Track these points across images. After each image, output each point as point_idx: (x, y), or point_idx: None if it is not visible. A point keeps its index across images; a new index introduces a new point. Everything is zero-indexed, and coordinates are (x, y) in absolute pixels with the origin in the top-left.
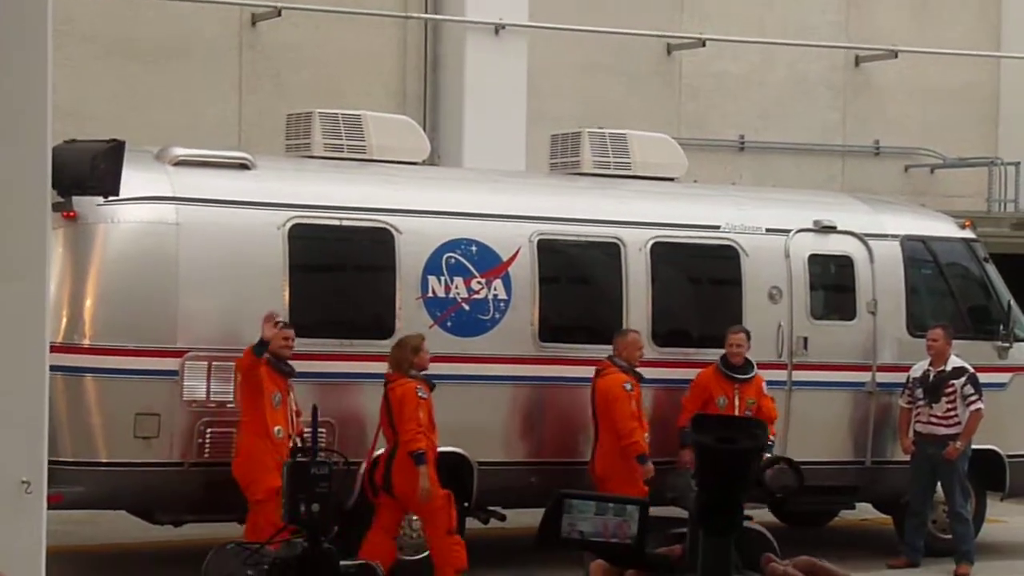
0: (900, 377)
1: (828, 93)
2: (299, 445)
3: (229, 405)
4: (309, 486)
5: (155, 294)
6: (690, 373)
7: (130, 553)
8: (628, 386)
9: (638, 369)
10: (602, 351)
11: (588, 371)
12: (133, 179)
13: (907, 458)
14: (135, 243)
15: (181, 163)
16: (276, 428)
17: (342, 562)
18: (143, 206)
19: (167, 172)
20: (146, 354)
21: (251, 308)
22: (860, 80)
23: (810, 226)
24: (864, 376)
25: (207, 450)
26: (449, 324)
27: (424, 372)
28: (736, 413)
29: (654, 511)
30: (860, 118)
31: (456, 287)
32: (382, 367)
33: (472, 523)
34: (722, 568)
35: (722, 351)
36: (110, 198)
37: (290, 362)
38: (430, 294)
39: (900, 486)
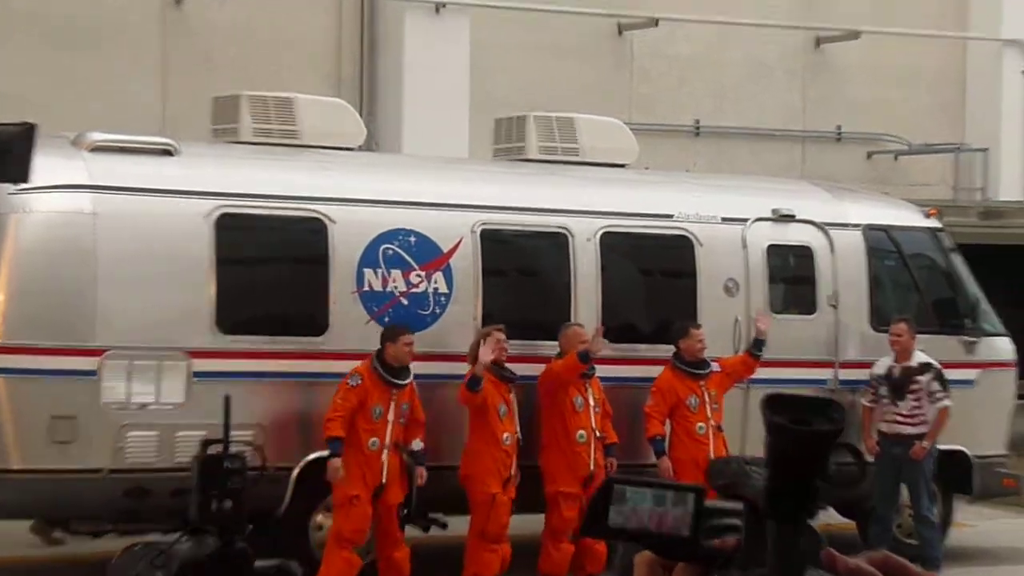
0: (863, 374)
1: (787, 76)
2: (404, 449)
3: (152, 407)
4: (221, 482)
5: (71, 289)
6: (643, 371)
7: (18, 569)
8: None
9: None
10: (550, 347)
11: (536, 368)
12: (47, 166)
13: (870, 459)
14: (49, 234)
15: (99, 149)
16: (371, 440)
17: (257, 562)
18: (58, 195)
19: (84, 158)
20: (62, 353)
21: (175, 303)
22: (820, 62)
23: (768, 215)
24: (826, 373)
25: (128, 456)
26: (386, 320)
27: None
28: (709, 412)
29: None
30: (821, 102)
31: (394, 280)
32: (315, 365)
33: (412, 530)
34: (794, 557)
35: (672, 348)
36: (21, 186)
37: (404, 370)
38: (366, 288)
39: (864, 489)
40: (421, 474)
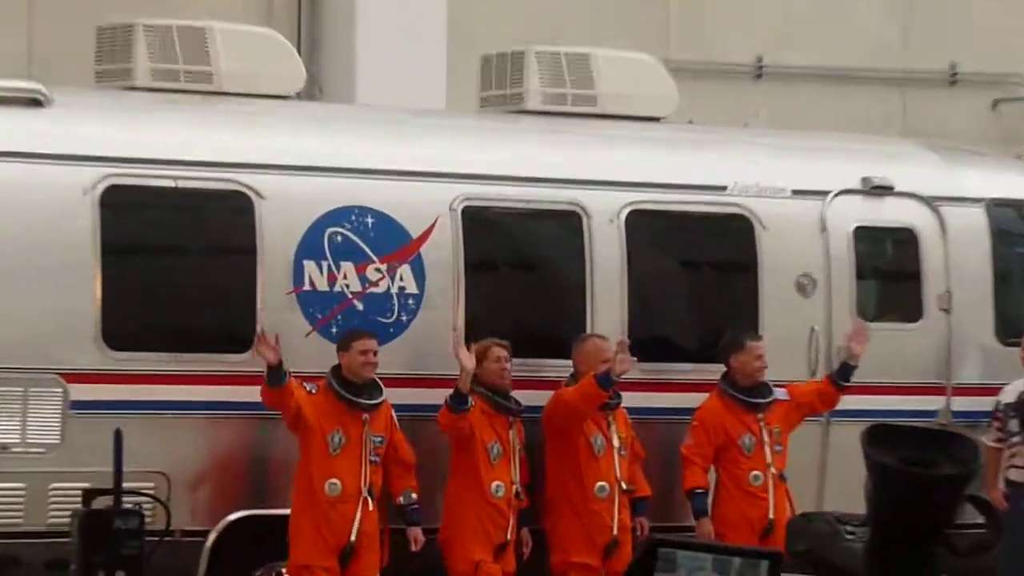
0: (986, 403)
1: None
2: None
3: (15, 450)
4: (110, 547)
5: None
6: (681, 400)
7: None
8: None
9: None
10: (558, 368)
11: (539, 397)
12: None
13: None
14: None
15: None
16: (329, 483)
17: None
18: None
19: None
20: None
21: (46, 309)
22: None
23: (857, 186)
24: (934, 402)
25: None
26: (334, 330)
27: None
28: (768, 455)
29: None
30: (928, 33)
31: (344, 277)
32: (237, 393)
33: None
34: None
35: (722, 368)
36: None
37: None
38: (306, 286)
39: (986, 557)
40: (416, 539)
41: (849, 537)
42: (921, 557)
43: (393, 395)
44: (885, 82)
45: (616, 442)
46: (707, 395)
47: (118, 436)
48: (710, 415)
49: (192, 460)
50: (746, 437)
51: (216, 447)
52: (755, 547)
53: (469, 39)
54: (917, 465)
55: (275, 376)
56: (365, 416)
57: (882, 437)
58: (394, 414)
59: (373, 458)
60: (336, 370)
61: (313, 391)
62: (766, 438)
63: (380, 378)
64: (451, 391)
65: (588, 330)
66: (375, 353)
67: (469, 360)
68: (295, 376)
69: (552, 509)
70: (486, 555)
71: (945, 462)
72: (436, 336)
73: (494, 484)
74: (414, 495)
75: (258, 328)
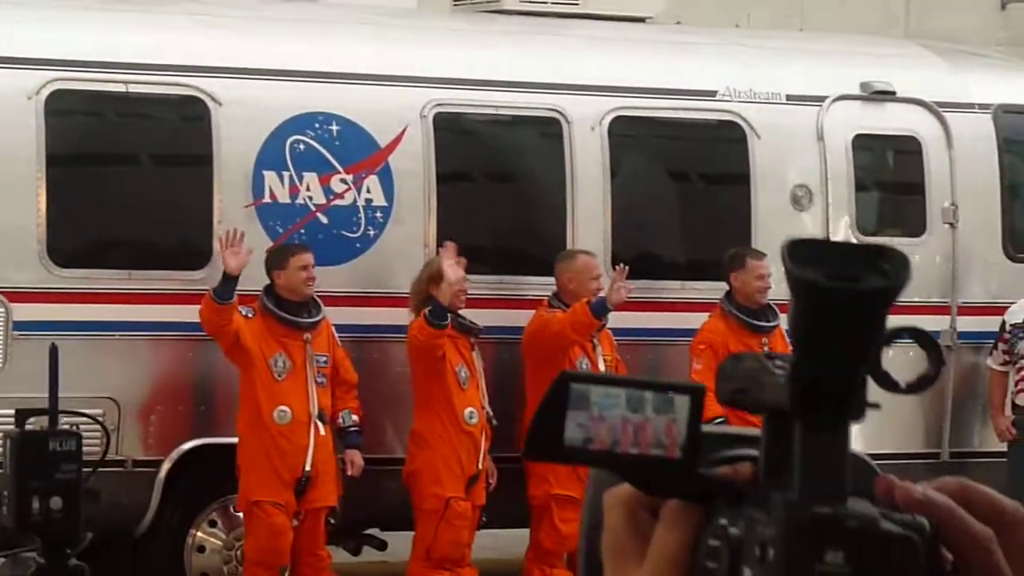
0: (993, 323)
1: None
2: None
3: None
4: (44, 471)
5: None
6: (673, 320)
7: None
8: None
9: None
10: (538, 286)
11: (516, 318)
12: None
13: (1003, 447)
14: None
15: None
16: (278, 410)
17: None
18: None
19: None
20: None
21: None
22: None
23: (856, 91)
24: (940, 322)
25: None
26: (287, 246)
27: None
28: None
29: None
30: None
31: (307, 188)
32: (192, 312)
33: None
34: (832, 479)
35: (720, 286)
36: None
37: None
38: (266, 199)
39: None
40: (354, 462)
41: (779, 371)
42: (848, 381)
43: (358, 315)
44: None
45: (602, 365)
46: (699, 315)
47: (53, 352)
48: (716, 336)
49: (144, 385)
50: None
51: (170, 371)
52: (677, 381)
53: None
54: (842, 280)
55: (226, 289)
56: (307, 336)
57: (804, 252)
58: (334, 330)
59: (320, 379)
60: (269, 289)
61: (250, 315)
62: None
63: (346, 296)
64: (428, 307)
65: (569, 245)
66: (313, 267)
67: (456, 272)
68: (241, 295)
69: None
70: (458, 490)
71: (873, 276)
72: (405, 252)
73: (467, 410)
74: (355, 416)
75: (218, 236)
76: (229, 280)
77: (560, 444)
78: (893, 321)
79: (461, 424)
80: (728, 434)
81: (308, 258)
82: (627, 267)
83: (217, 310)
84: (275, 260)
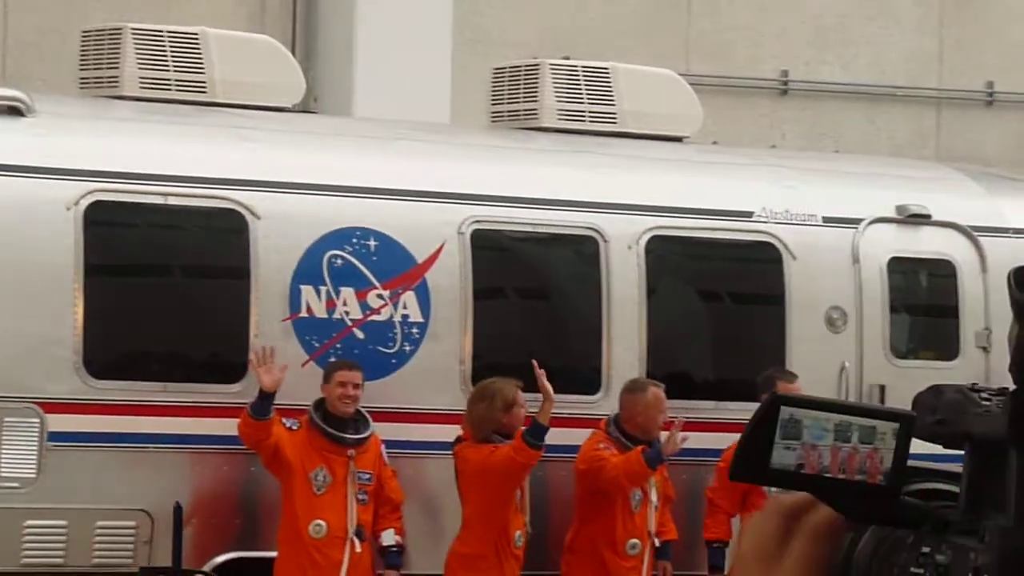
0: None
1: (917, 9)
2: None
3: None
4: None
5: None
6: (704, 439)
7: None
8: None
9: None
10: (573, 404)
11: (551, 436)
12: None
13: None
14: None
15: None
16: (314, 524)
17: None
18: None
19: None
20: None
21: (23, 332)
22: None
23: (891, 214)
24: None
25: None
26: (332, 360)
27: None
28: None
29: None
30: (966, 47)
31: (344, 303)
32: (227, 426)
33: None
34: None
35: (753, 407)
36: None
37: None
38: (304, 313)
39: None
40: None
41: (985, 403)
42: None
43: (394, 431)
44: (919, 101)
45: (653, 496)
46: (732, 436)
47: (177, 511)
48: None
49: (178, 498)
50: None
51: (204, 484)
52: (885, 407)
53: (478, 48)
54: None
55: (264, 406)
56: (351, 452)
57: None
58: (384, 449)
59: (361, 496)
60: (319, 403)
61: (295, 427)
62: None
63: (380, 412)
64: (527, 426)
65: (604, 364)
66: (356, 386)
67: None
68: (280, 409)
69: (572, 555)
70: None
71: None
72: (442, 370)
73: (517, 533)
74: (397, 536)
75: (253, 351)
76: (265, 397)
77: (767, 467)
78: (924, 447)
79: (512, 547)
80: (921, 468)
81: (349, 375)
82: (682, 420)
83: (255, 426)
84: (324, 374)
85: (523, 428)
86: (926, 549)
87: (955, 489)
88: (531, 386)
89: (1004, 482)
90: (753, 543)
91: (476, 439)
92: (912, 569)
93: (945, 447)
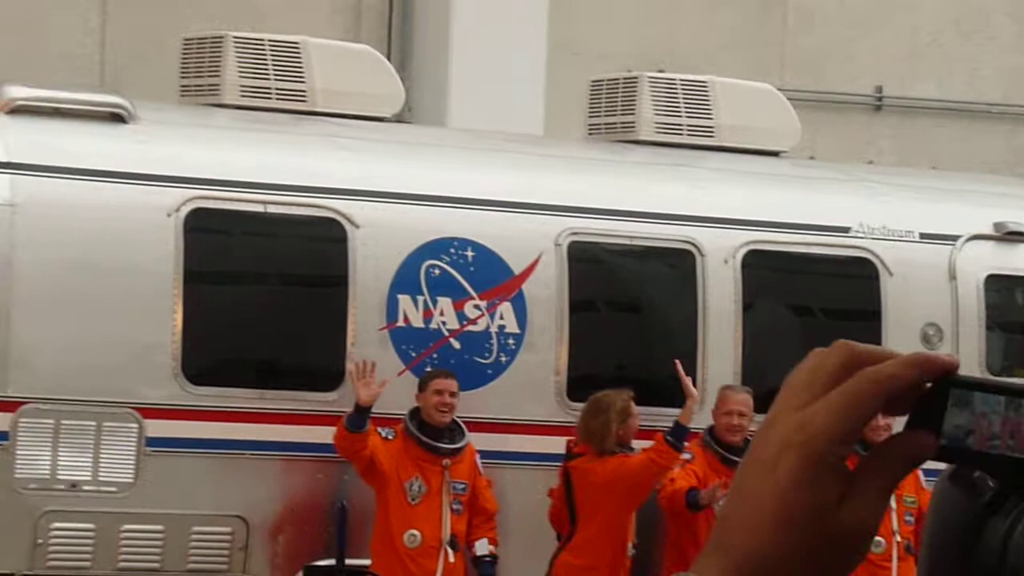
0: None
1: (1014, 24)
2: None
3: (87, 488)
4: None
5: None
6: None
7: None
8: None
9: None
10: (668, 417)
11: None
12: None
13: None
14: None
15: (19, 110)
16: (409, 533)
17: None
18: None
19: None
20: None
21: (123, 338)
22: None
23: (989, 231)
24: None
25: (51, 557)
26: (429, 369)
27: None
28: (895, 522)
29: None
30: None
31: (441, 313)
32: (324, 434)
33: None
34: None
35: None
36: None
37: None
38: (401, 322)
39: None
40: None
41: None
42: None
43: (489, 441)
44: (1017, 118)
45: None
46: None
47: (341, 512)
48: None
49: (273, 504)
50: None
51: (299, 491)
52: None
53: (574, 60)
54: None
55: (360, 419)
56: (446, 462)
57: None
58: (479, 459)
59: (456, 506)
60: (415, 413)
61: (390, 437)
62: (893, 504)
63: (476, 422)
64: (669, 428)
65: (699, 377)
66: (452, 394)
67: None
68: (375, 418)
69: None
70: None
71: None
72: (538, 380)
73: (630, 544)
74: (491, 546)
75: (350, 363)
76: (362, 411)
77: (937, 439)
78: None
79: (625, 558)
80: None
81: (445, 383)
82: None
83: (351, 438)
84: (420, 383)
85: (664, 431)
86: None
87: None
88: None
89: None
90: (809, 369)
91: (597, 452)
92: None
93: None
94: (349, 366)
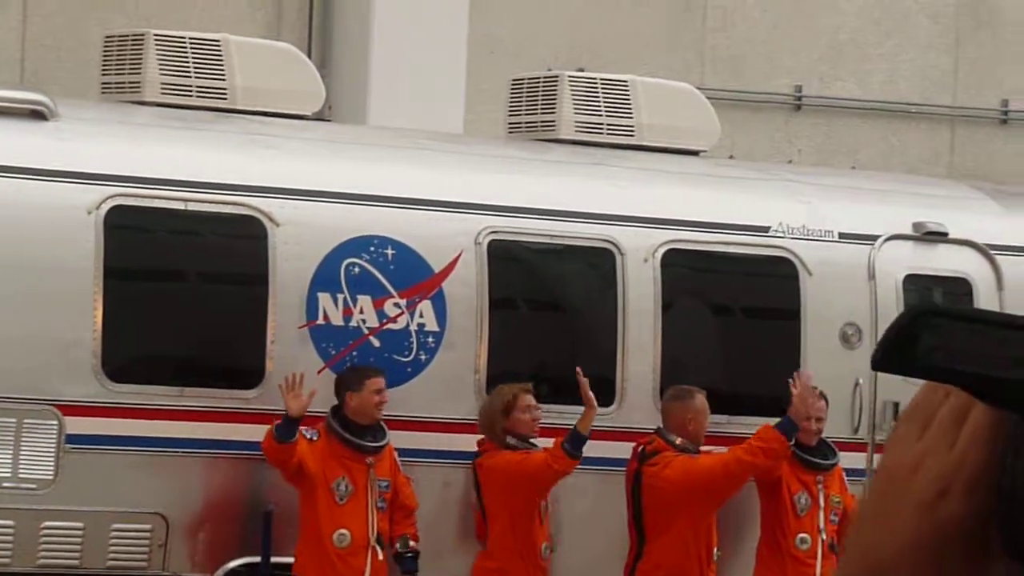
0: None
1: (933, 25)
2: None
3: (6, 486)
4: None
5: None
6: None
7: None
8: None
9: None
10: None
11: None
12: None
13: None
14: None
15: None
16: (338, 533)
17: None
18: None
19: None
20: None
21: (42, 335)
22: (983, 8)
23: (908, 231)
24: None
25: None
26: (348, 367)
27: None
28: (821, 520)
29: None
30: (981, 65)
31: (361, 311)
32: (243, 431)
33: None
34: None
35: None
36: None
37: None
38: (320, 320)
39: None
40: None
41: None
42: None
43: (409, 439)
44: (935, 118)
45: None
46: None
47: (267, 517)
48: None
49: (193, 502)
50: (801, 495)
51: (219, 489)
52: None
53: (494, 59)
54: None
55: (289, 430)
56: (370, 460)
57: None
58: (397, 456)
59: (380, 504)
60: (337, 411)
61: (315, 438)
62: (822, 503)
63: (395, 420)
64: (567, 435)
65: (619, 376)
66: (384, 391)
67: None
68: (311, 418)
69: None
70: None
71: None
72: (457, 378)
73: (543, 544)
74: (412, 543)
75: (270, 361)
76: (291, 422)
77: (914, 358)
78: None
79: (539, 559)
80: None
81: (382, 382)
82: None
83: (280, 448)
84: (349, 381)
85: (562, 437)
86: None
87: None
88: (550, 396)
89: None
90: (953, 408)
91: (497, 445)
92: None
93: None
94: (269, 364)
